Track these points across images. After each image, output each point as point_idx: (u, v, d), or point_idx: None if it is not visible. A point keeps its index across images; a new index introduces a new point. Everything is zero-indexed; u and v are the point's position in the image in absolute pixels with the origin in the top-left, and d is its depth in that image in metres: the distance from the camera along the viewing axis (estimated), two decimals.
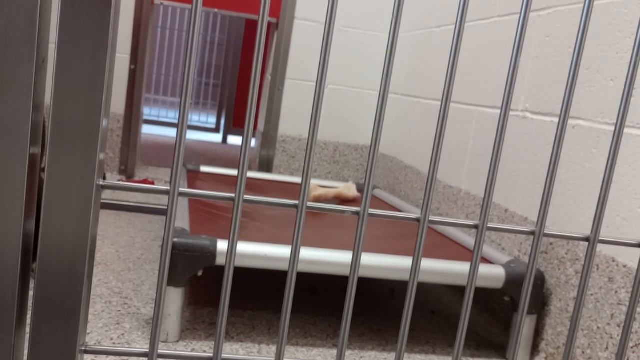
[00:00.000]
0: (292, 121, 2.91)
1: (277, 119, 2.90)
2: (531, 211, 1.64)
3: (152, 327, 0.63)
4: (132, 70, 2.88)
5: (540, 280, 1.47)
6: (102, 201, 2.46)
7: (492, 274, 1.45)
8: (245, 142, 0.61)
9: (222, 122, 5.77)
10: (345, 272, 1.38)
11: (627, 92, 0.69)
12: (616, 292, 1.30)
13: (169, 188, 0.61)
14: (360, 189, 2.60)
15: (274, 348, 1.38)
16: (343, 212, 0.65)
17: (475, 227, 0.68)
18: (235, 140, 5.62)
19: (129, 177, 2.95)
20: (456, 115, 2.12)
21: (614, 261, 1.32)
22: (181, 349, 1.33)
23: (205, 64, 6.30)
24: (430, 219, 0.67)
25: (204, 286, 1.73)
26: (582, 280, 0.72)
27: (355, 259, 0.66)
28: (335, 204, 1.61)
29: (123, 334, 1.34)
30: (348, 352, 1.42)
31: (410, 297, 0.68)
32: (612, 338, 1.30)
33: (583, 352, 1.37)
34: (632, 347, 1.25)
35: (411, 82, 2.60)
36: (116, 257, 1.85)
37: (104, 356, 1.24)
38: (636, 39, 0.68)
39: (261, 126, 2.97)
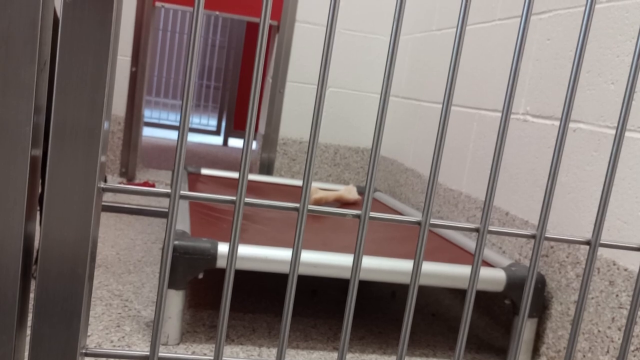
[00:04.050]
0: (293, 124, 2.91)
1: (277, 121, 2.90)
2: (532, 214, 1.64)
3: (153, 330, 0.63)
4: (133, 72, 2.88)
5: (541, 284, 1.47)
6: (102, 203, 2.46)
7: (493, 277, 1.45)
8: (247, 144, 0.61)
9: (223, 124, 5.78)
10: (346, 274, 1.38)
11: (628, 95, 0.69)
12: (617, 295, 1.30)
13: (169, 191, 0.61)
14: (361, 191, 2.60)
15: (274, 351, 1.38)
16: (344, 215, 0.65)
17: (476, 230, 0.68)
18: (235, 142, 5.62)
19: (130, 179, 2.95)
20: (457, 119, 2.12)
21: (614, 264, 1.32)
22: (182, 352, 1.32)
23: (206, 67, 6.31)
24: (431, 222, 0.67)
25: (205, 289, 1.72)
26: (583, 283, 0.72)
27: (356, 262, 0.65)
28: (336, 207, 1.61)
29: (123, 337, 1.34)
30: (349, 355, 1.41)
31: (411, 300, 0.68)
32: (612, 342, 1.29)
33: (584, 356, 1.37)
34: (633, 351, 1.24)
35: (412, 85, 2.60)
36: (116, 260, 1.85)
37: (105, 359, 1.24)
38: (637, 43, 0.68)
39: (262, 129, 2.97)
